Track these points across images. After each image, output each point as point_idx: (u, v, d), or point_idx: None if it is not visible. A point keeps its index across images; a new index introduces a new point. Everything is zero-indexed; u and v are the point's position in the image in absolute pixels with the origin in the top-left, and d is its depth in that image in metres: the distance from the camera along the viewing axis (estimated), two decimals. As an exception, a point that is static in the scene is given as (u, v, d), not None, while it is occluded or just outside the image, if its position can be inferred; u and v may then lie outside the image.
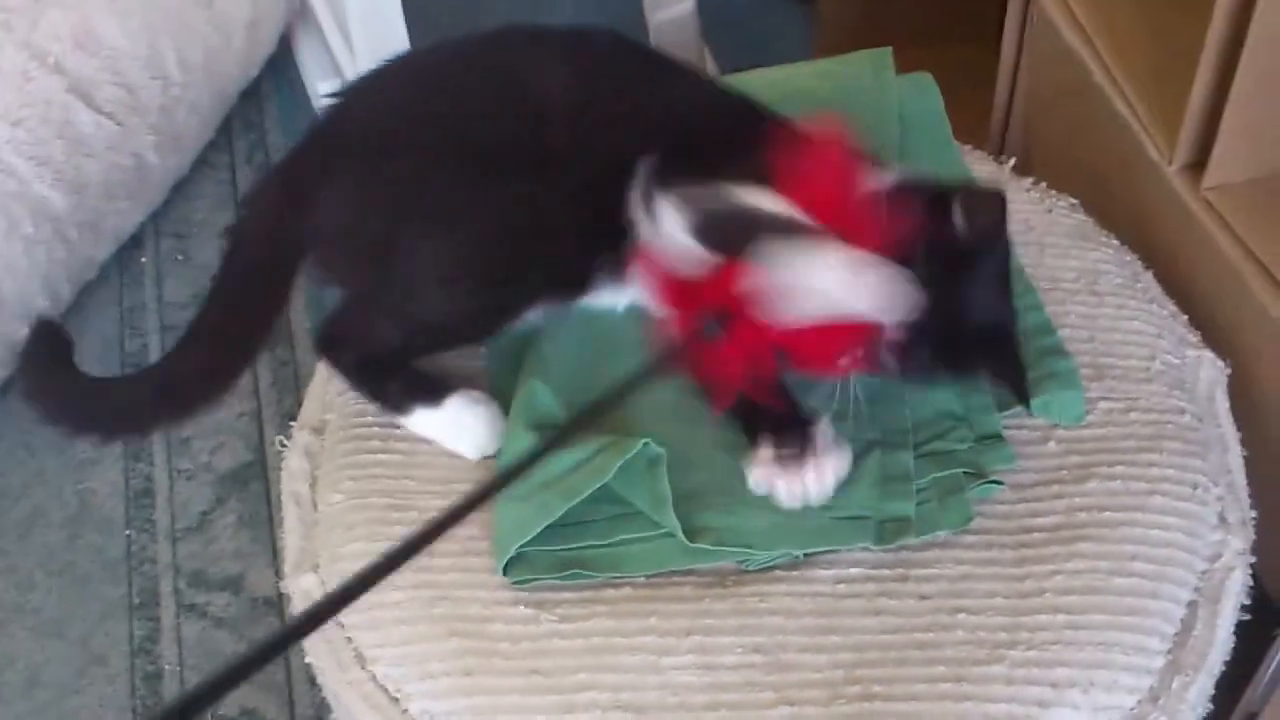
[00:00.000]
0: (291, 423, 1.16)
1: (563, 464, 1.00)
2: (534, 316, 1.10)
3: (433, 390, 1.07)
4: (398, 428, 1.08)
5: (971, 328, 1.00)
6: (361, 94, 1.11)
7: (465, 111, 1.07)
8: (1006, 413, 1.07)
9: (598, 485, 0.98)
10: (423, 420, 1.07)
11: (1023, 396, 1.03)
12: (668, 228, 0.98)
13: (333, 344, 1.10)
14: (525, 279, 1.05)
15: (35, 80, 1.59)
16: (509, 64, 1.10)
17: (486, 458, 1.07)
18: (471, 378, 1.12)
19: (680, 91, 1.13)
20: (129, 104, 1.68)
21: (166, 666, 1.45)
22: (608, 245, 1.04)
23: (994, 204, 1.00)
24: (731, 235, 0.96)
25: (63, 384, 1.09)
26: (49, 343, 1.10)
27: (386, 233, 1.05)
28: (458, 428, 1.07)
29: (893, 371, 1.01)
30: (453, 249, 1.04)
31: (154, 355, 1.70)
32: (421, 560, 0.99)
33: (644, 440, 0.99)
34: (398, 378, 1.08)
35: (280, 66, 1.96)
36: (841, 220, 0.95)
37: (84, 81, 1.64)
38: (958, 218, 0.98)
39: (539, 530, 0.97)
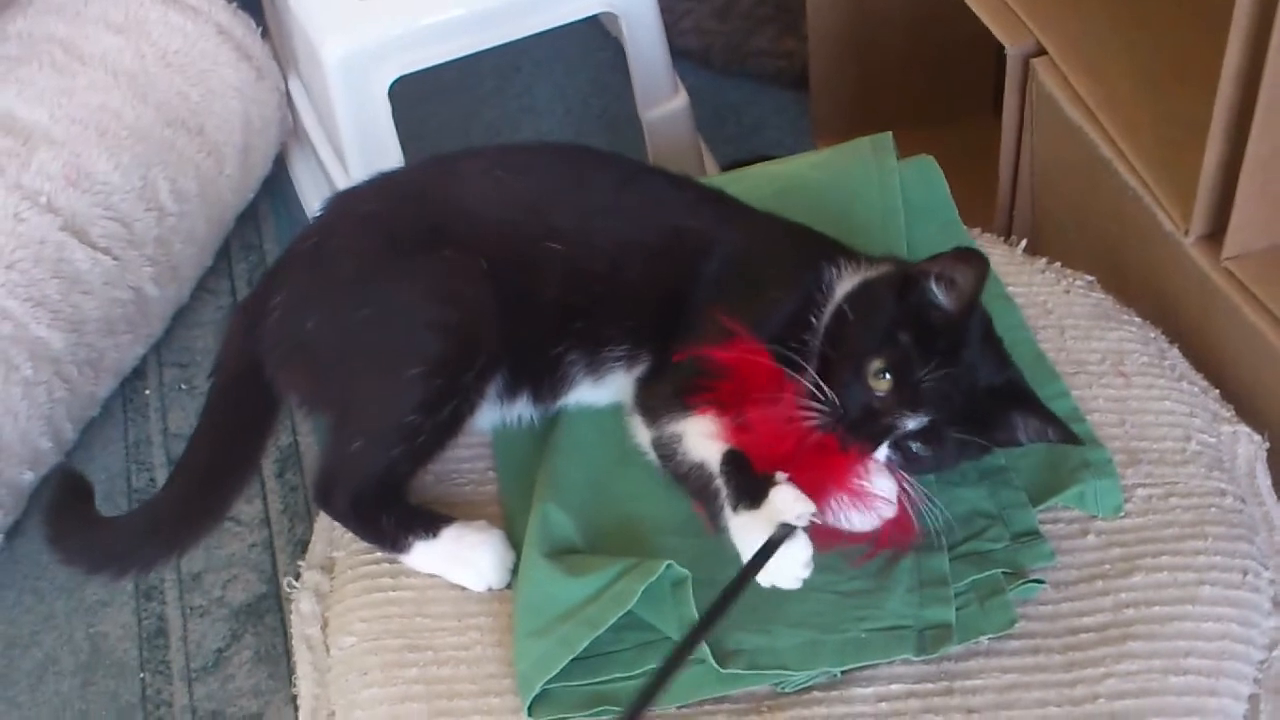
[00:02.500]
0: (301, 561, 1.13)
1: (582, 592, 0.96)
2: (524, 412, 1.09)
3: (429, 522, 1.04)
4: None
5: (988, 391, 0.99)
6: (318, 219, 1.17)
7: (399, 220, 1.11)
8: (1040, 507, 1.03)
9: (621, 614, 0.94)
10: (423, 555, 1.04)
11: (1070, 436, 1.00)
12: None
13: (325, 493, 1.07)
14: (471, 353, 1.03)
15: (27, 221, 1.57)
16: (444, 176, 1.16)
17: (497, 590, 1.02)
18: (484, 504, 1.09)
19: (639, 194, 1.14)
20: (124, 238, 1.66)
21: (188, 817, 1.40)
22: (574, 338, 1.06)
23: (970, 267, 0.98)
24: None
25: (82, 527, 1.12)
26: (70, 489, 1.14)
27: (328, 333, 1.07)
28: (458, 559, 1.03)
29: (929, 469, 1.00)
30: (390, 332, 1.04)
31: (161, 489, 1.66)
32: (439, 703, 0.96)
33: (666, 563, 0.95)
34: (393, 513, 1.05)
35: (276, 187, 1.95)
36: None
37: (78, 218, 1.62)
38: (937, 292, 0.98)
39: (562, 666, 0.93)
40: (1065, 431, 1.00)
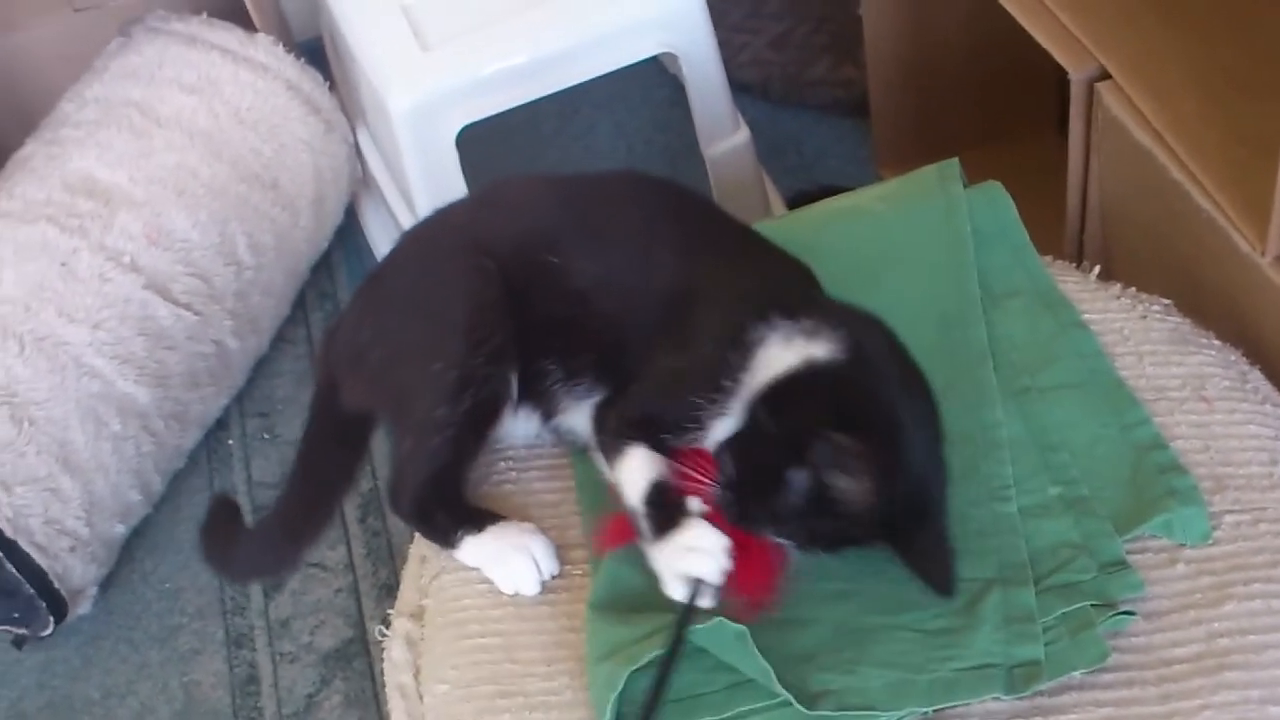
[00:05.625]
0: (389, 609, 1.14)
1: (632, 634, 0.98)
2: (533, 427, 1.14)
3: (478, 518, 1.09)
4: (496, 611, 1.06)
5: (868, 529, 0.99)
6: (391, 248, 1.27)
7: (442, 235, 1.21)
8: (1126, 536, 1.02)
9: (652, 656, 0.95)
10: (469, 549, 1.08)
11: (942, 588, 0.98)
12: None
13: (395, 496, 1.13)
14: (480, 345, 1.07)
15: (112, 281, 1.62)
16: (494, 191, 1.26)
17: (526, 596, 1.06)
18: (558, 504, 1.12)
19: (647, 221, 1.16)
20: (205, 293, 1.70)
21: None
22: (555, 354, 1.10)
23: (863, 479, 0.96)
24: None
25: (226, 542, 1.26)
26: (221, 512, 1.27)
27: (378, 339, 1.15)
28: (494, 557, 1.07)
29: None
30: (419, 333, 1.12)
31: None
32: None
33: (717, 619, 0.96)
34: (449, 509, 1.10)
35: (348, 235, 1.99)
36: None
37: (159, 276, 1.66)
38: (835, 477, 0.96)
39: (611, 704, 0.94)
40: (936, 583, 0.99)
